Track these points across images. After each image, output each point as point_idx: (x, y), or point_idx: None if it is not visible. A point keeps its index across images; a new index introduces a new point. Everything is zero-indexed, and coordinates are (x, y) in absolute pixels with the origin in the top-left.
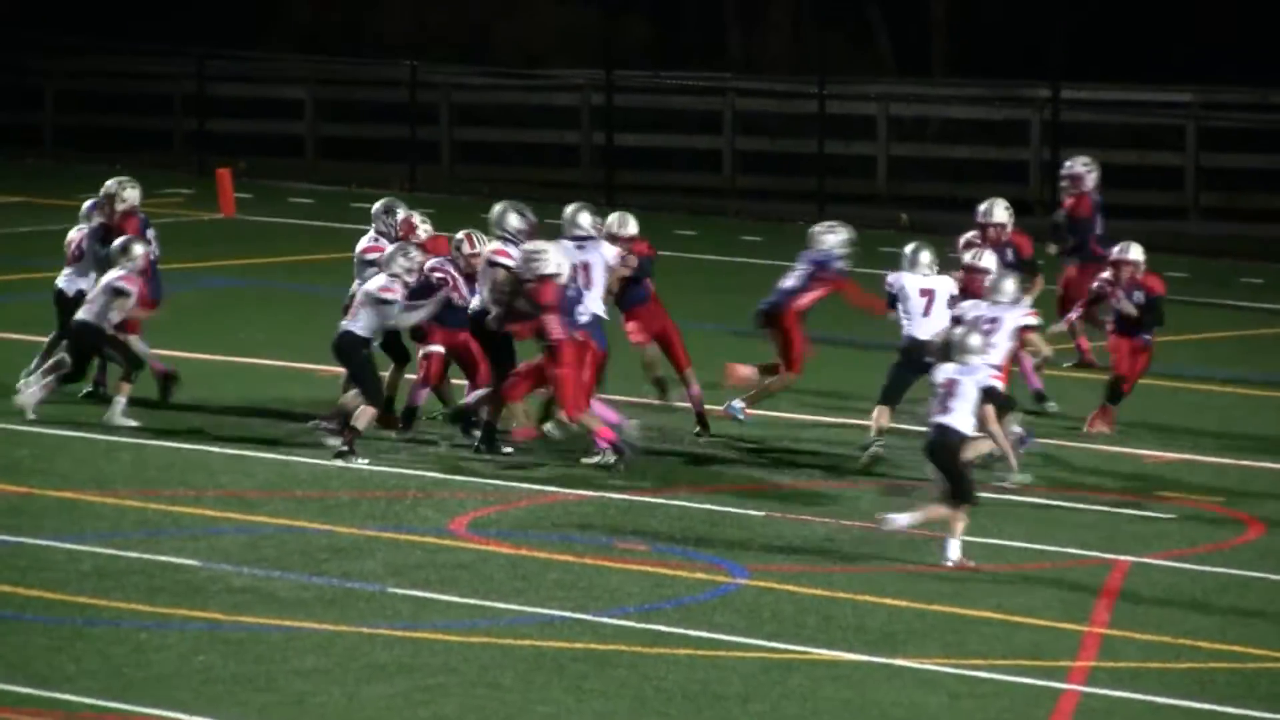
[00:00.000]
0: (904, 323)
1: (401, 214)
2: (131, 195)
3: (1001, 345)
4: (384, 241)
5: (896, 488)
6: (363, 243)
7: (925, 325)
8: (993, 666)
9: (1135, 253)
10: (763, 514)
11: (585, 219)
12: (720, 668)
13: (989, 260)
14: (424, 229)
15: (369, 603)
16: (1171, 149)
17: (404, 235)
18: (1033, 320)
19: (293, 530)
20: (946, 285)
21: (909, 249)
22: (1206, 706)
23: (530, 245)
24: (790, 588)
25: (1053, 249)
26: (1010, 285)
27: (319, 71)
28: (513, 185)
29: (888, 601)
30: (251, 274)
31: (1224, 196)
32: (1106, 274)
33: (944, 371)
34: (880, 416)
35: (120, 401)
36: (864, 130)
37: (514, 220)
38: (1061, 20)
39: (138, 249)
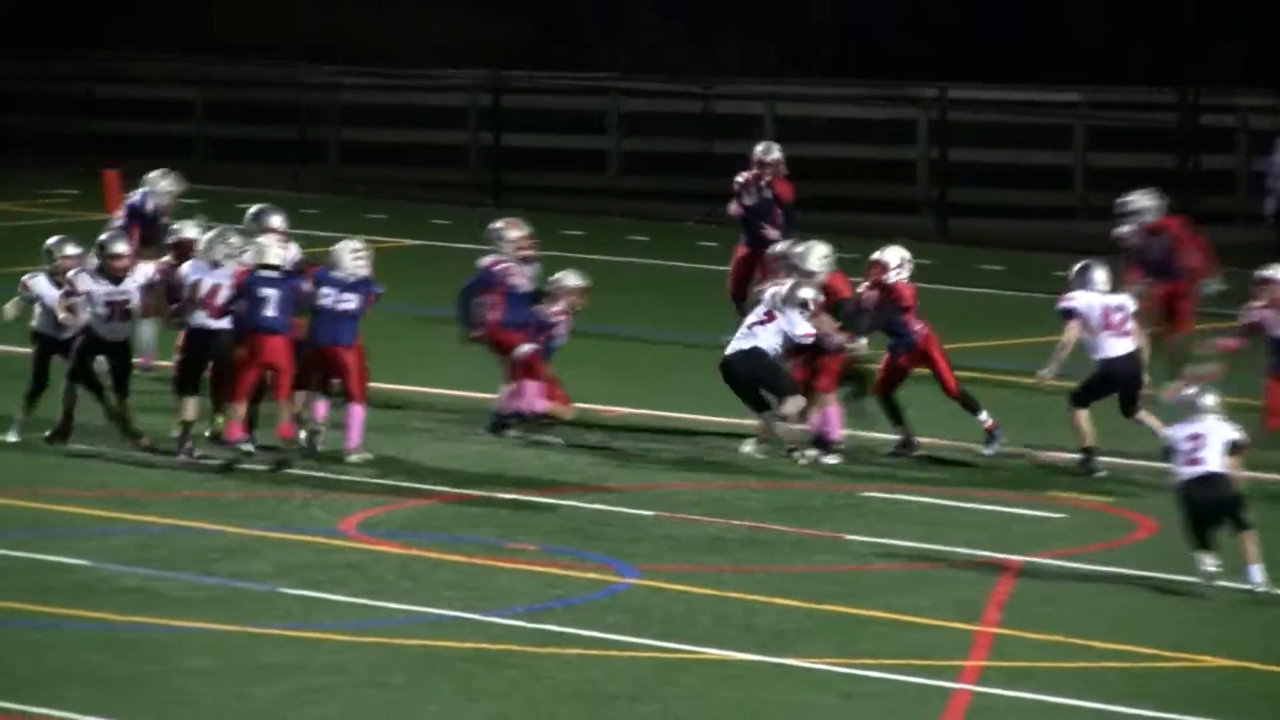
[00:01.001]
0: (1092, 344)
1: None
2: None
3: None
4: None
5: (781, 489)
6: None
7: (1118, 344)
8: (883, 666)
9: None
10: (652, 514)
11: None
12: (611, 668)
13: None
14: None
15: (259, 603)
16: (1059, 148)
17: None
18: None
19: (183, 530)
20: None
21: (1078, 268)
22: (1098, 706)
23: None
24: (680, 587)
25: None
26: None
27: (207, 72)
28: (399, 186)
29: (778, 601)
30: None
31: (1111, 196)
32: (1259, 301)
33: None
34: (1082, 422)
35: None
36: (750, 130)
37: None
38: (948, 20)
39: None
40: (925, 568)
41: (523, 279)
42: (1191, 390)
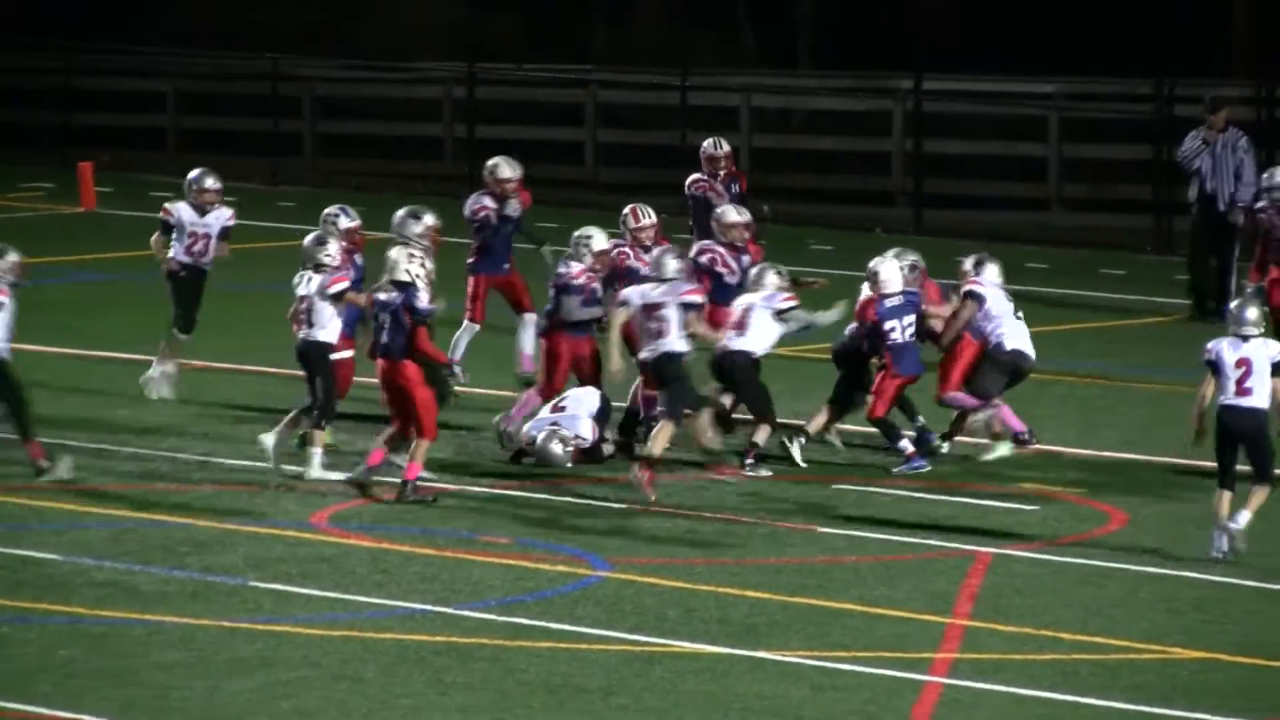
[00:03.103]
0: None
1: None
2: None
3: None
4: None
5: (749, 479)
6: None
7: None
8: (855, 658)
9: None
10: (624, 506)
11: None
12: (582, 660)
13: None
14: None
15: (230, 596)
16: (1035, 140)
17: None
18: None
19: (154, 524)
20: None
21: (975, 260)
22: (1069, 698)
23: None
24: (652, 580)
25: None
26: None
27: (181, 65)
28: (376, 178)
29: (750, 594)
30: (113, 268)
31: (1087, 188)
32: None
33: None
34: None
35: (316, 454)
36: (727, 122)
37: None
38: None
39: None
40: (897, 560)
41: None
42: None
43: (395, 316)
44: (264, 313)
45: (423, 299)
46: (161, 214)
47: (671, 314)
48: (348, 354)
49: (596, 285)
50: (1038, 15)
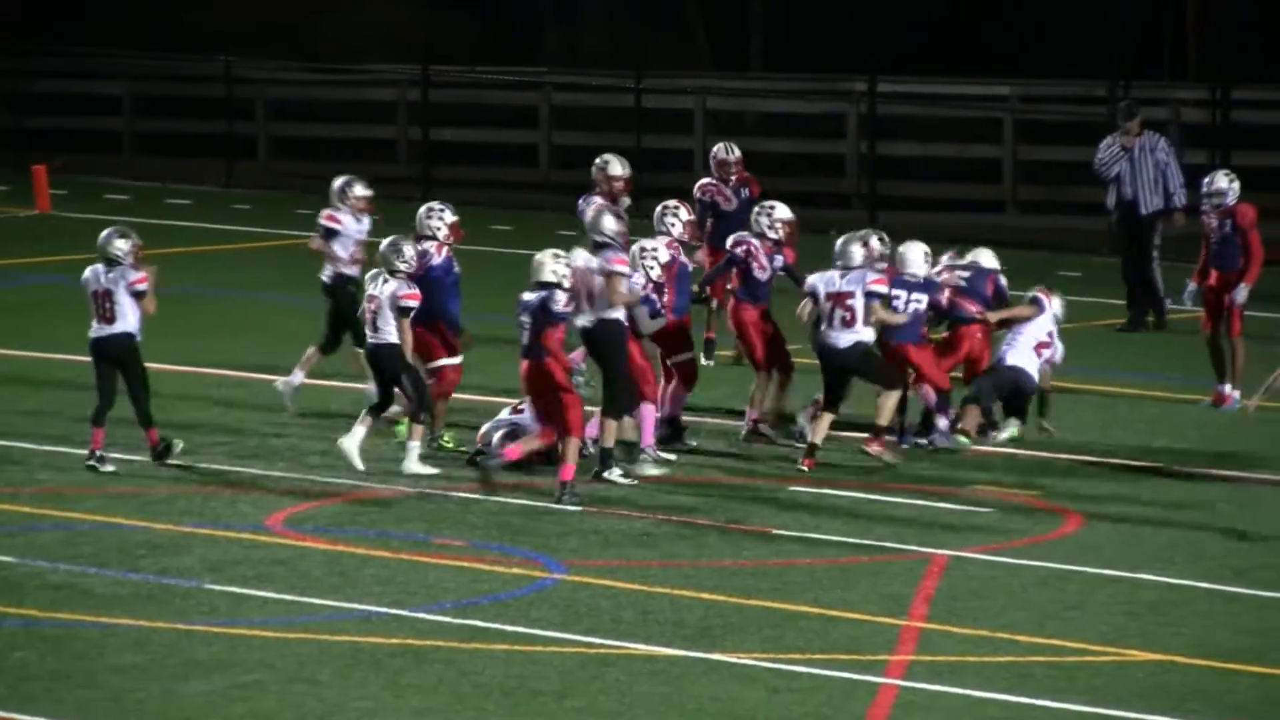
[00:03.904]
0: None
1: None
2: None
3: None
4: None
5: (712, 482)
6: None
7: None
8: (810, 661)
9: None
10: (579, 509)
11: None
12: (537, 663)
13: None
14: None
15: (186, 599)
16: (990, 142)
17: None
18: None
19: (110, 527)
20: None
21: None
22: (1025, 700)
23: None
24: (607, 582)
25: None
26: None
27: (136, 67)
28: (330, 181)
29: (705, 596)
30: (67, 270)
31: (1042, 190)
32: None
33: None
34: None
35: (414, 447)
36: (681, 124)
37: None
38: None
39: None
40: (852, 562)
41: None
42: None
43: (535, 317)
44: (220, 315)
45: (559, 302)
46: (327, 221)
47: (859, 302)
48: (455, 360)
49: (654, 297)
50: (992, 18)
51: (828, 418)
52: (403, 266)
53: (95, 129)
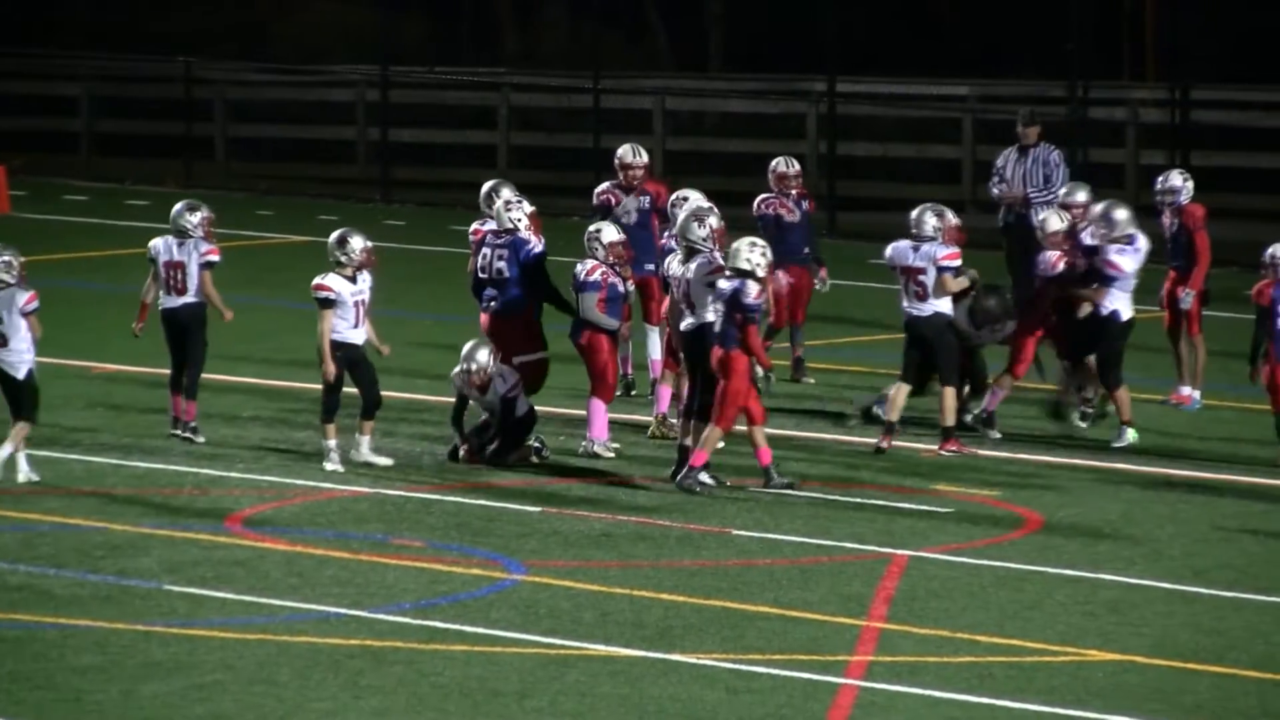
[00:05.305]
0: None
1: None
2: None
3: None
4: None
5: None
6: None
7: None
8: (770, 661)
9: None
10: (539, 510)
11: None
12: (497, 664)
13: None
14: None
15: (145, 600)
16: (949, 142)
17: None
18: None
19: (69, 528)
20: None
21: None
22: (984, 700)
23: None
24: (567, 583)
25: None
26: None
27: (95, 68)
28: (289, 181)
29: (664, 597)
30: (29, 271)
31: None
32: None
33: None
34: None
35: (364, 440)
36: (640, 125)
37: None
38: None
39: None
40: (812, 562)
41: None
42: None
43: (726, 305)
44: None
45: (751, 293)
46: (474, 235)
47: (930, 279)
48: (541, 355)
49: (615, 281)
50: (951, 17)
51: (904, 389)
52: (345, 260)
53: (54, 130)
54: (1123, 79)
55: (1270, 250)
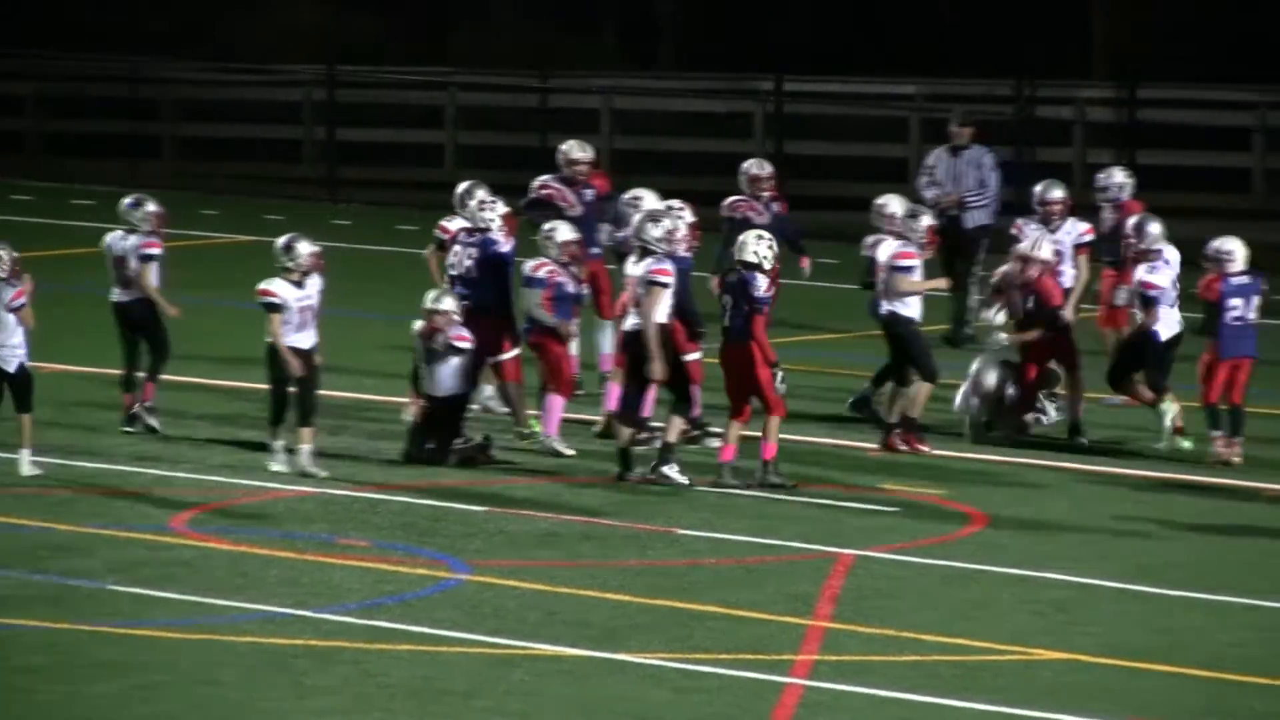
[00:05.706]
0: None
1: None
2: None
3: None
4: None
5: (620, 481)
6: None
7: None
8: (717, 661)
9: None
10: (484, 509)
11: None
12: (443, 664)
13: None
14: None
15: (91, 600)
16: (897, 141)
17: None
18: None
19: (12, 528)
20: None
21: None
22: (930, 699)
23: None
24: (513, 582)
25: None
26: None
27: (41, 67)
28: (236, 180)
29: (611, 596)
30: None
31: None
32: None
33: None
34: None
35: (306, 450)
36: (588, 124)
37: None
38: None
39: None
40: (758, 562)
41: None
42: None
43: (736, 298)
44: None
45: (760, 285)
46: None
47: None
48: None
49: (562, 280)
50: (898, 16)
51: (926, 388)
52: (292, 265)
53: (0, 130)
54: (1070, 77)
55: (1214, 244)
